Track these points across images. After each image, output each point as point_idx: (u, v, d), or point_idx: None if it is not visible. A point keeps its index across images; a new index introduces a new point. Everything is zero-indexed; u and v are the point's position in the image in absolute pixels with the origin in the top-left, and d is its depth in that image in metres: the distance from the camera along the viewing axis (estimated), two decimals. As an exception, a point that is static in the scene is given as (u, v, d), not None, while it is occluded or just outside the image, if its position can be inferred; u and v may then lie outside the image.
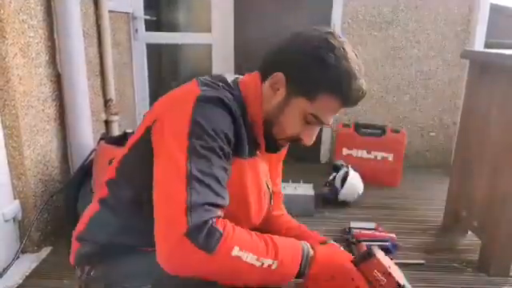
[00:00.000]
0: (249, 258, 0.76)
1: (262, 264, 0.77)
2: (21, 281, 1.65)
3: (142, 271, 0.87)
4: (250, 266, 0.76)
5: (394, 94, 3.13)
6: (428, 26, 2.99)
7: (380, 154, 2.79)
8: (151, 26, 3.10)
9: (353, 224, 2.10)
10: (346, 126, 2.89)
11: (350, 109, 3.16)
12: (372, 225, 2.10)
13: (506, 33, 3.63)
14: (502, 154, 1.71)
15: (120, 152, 0.97)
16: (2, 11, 1.55)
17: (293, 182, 2.38)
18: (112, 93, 2.45)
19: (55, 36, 1.92)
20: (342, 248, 0.98)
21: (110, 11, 2.45)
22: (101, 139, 1.89)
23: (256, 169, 0.96)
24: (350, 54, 0.86)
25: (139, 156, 0.89)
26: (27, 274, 1.70)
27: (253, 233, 0.82)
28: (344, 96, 0.87)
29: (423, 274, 1.76)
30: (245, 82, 0.95)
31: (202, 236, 0.73)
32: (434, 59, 3.05)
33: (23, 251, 1.81)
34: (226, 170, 0.83)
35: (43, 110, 1.86)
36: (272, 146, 0.97)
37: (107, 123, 2.47)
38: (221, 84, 0.92)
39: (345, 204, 2.45)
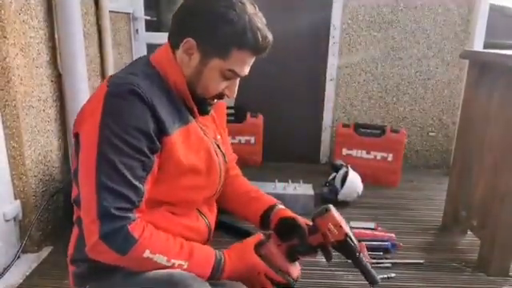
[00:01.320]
0: (159, 259, 0.86)
1: (173, 264, 0.87)
2: (21, 280, 1.66)
3: (141, 280, 0.89)
4: (159, 265, 0.86)
5: (394, 94, 3.13)
6: (427, 27, 2.99)
7: (379, 154, 2.80)
8: (152, 27, 3.10)
9: (352, 224, 2.11)
10: (345, 126, 2.90)
11: (349, 109, 3.17)
12: (372, 225, 2.10)
13: (505, 33, 3.64)
14: (501, 154, 1.72)
15: (73, 167, 0.99)
16: (2, 12, 1.55)
17: (293, 182, 2.39)
18: (112, 93, 2.45)
19: (56, 36, 1.93)
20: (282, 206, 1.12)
21: (111, 11, 2.46)
22: (101, 139, 1.89)
23: (197, 133, 0.98)
24: (250, 7, 0.91)
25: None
26: (28, 273, 1.71)
27: (170, 238, 0.91)
28: (252, 47, 0.92)
29: (422, 274, 1.76)
30: (156, 57, 0.98)
31: (116, 241, 0.82)
32: (433, 59, 3.05)
33: (24, 251, 1.81)
34: (142, 163, 0.86)
35: (44, 110, 1.87)
36: (204, 108, 1.01)
37: (107, 123, 2.47)
38: (131, 70, 0.93)
39: (344, 204, 2.45)
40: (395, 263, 1.82)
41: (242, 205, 1.19)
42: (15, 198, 1.77)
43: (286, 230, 1.04)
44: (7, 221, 1.72)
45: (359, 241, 2.03)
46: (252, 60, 0.96)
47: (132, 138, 0.84)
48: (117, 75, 0.92)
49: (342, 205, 2.44)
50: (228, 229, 1.47)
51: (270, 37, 0.92)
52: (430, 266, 1.83)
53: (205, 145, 0.99)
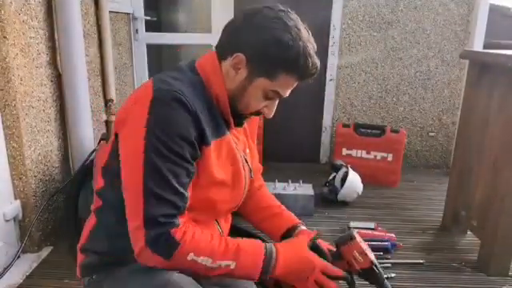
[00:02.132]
0: (204, 261, 0.87)
1: (220, 265, 0.87)
2: (21, 280, 1.66)
3: (141, 280, 0.90)
4: (206, 267, 0.87)
5: (394, 94, 3.13)
6: (427, 27, 2.99)
7: (379, 154, 2.80)
8: (151, 27, 3.10)
9: (352, 224, 2.11)
10: (345, 126, 2.90)
11: (349, 109, 3.17)
12: (371, 225, 2.10)
13: (504, 33, 3.64)
14: (501, 154, 1.72)
15: (102, 160, 1.00)
16: (2, 12, 1.56)
17: (293, 182, 2.39)
18: (112, 93, 2.45)
19: (56, 36, 1.93)
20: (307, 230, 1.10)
21: (111, 12, 2.46)
22: (101, 139, 1.89)
23: (230, 146, 0.99)
24: (304, 32, 0.91)
25: (116, 163, 0.91)
26: (28, 273, 1.71)
27: (214, 237, 0.91)
28: (301, 73, 0.93)
29: (422, 274, 1.76)
30: (202, 65, 0.97)
31: (161, 247, 0.84)
32: (433, 59, 3.05)
33: (24, 251, 1.81)
34: (186, 170, 0.87)
35: (44, 111, 1.87)
36: (239, 121, 1.02)
37: (107, 123, 2.47)
38: (177, 75, 0.93)
39: (344, 204, 2.45)
40: (395, 263, 1.82)
41: (263, 220, 1.20)
42: (15, 198, 1.77)
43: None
44: (7, 221, 1.72)
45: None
46: (296, 84, 0.96)
47: (177, 145, 0.85)
48: (162, 79, 0.91)
49: (341, 205, 2.44)
50: (241, 234, 1.49)
51: (319, 64, 0.93)
52: (430, 266, 1.83)
53: (235, 159, 1.00)
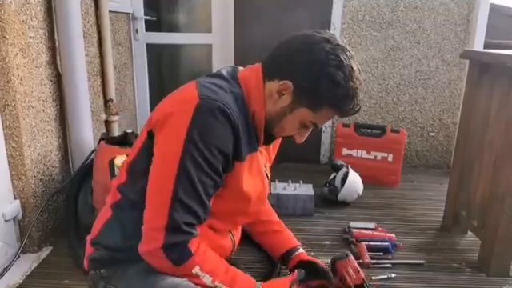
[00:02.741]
0: (205, 278, 0.90)
1: (216, 287, 0.92)
2: (21, 281, 1.66)
3: (151, 281, 0.91)
4: (205, 285, 0.91)
5: (394, 94, 3.13)
6: (428, 27, 2.99)
7: (380, 154, 2.79)
8: (151, 27, 3.10)
9: (352, 224, 2.11)
10: (345, 126, 2.90)
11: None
12: (372, 225, 2.10)
13: (504, 33, 3.63)
14: (501, 154, 1.71)
15: (128, 158, 1.00)
16: (2, 11, 1.55)
17: (293, 182, 2.39)
18: (112, 93, 2.45)
19: (55, 36, 1.93)
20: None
21: (111, 11, 2.45)
22: (101, 139, 1.89)
23: (258, 162, 1.01)
24: (356, 72, 0.91)
25: (145, 161, 0.92)
26: (27, 273, 1.70)
27: (218, 259, 0.95)
28: (344, 111, 0.95)
29: (423, 274, 1.76)
30: (245, 78, 0.97)
31: (175, 253, 0.86)
32: (433, 59, 3.05)
33: (23, 251, 1.81)
34: (215, 182, 0.89)
35: (44, 110, 1.87)
36: (269, 141, 1.04)
37: (107, 123, 2.47)
38: (221, 84, 0.92)
39: (344, 204, 2.45)
40: (395, 263, 1.81)
41: (263, 234, 1.28)
42: (15, 198, 1.77)
43: (305, 270, 1.12)
44: (7, 221, 1.72)
45: (359, 241, 2.05)
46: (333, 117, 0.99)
47: (213, 157, 0.85)
48: (208, 86, 0.90)
49: (341, 205, 2.44)
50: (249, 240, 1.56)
51: (360, 106, 0.95)
52: (430, 266, 1.82)
53: (261, 175, 1.03)
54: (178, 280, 0.89)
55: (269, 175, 1.12)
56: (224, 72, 0.99)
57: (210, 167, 0.85)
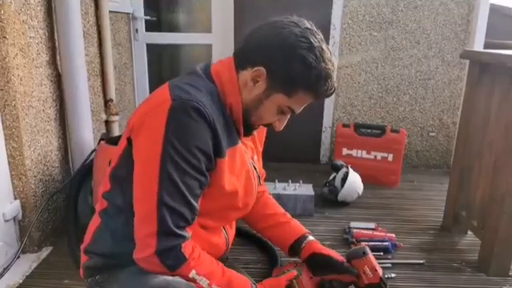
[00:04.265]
0: (202, 281, 0.90)
1: None
2: (21, 281, 1.66)
3: (142, 281, 0.91)
4: (200, 286, 0.90)
5: (394, 94, 3.13)
6: (427, 26, 2.99)
7: (380, 154, 2.79)
8: (151, 27, 3.10)
9: (353, 224, 2.11)
10: (345, 126, 2.90)
11: (349, 109, 3.16)
12: (372, 225, 2.10)
13: (504, 33, 3.63)
14: (501, 154, 1.71)
15: (111, 162, 1.00)
16: (2, 11, 1.55)
17: (293, 182, 2.39)
18: (112, 93, 2.45)
19: (55, 36, 1.93)
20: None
21: (111, 11, 2.45)
22: (101, 139, 1.89)
23: (241, 155, 1.00)
24: (327, 53, 0.91)
25: (127, 167, 0.91)
26: (27, 273, 1.70)
27: (213, 261, 0.95)
28: (319, 94, 0.94)
29: (423, 274, 1.76)
30: (218, 72, 0.97)
31: (170, 258, 0.86)
32: (433, 59, 3.05)
33: (23, 251, 1.81)
34: (199, 182, 0.88)
35: (44, 111, 1.87)
36: (250, 131, 1.03)
37: (107, 123, 2.47)
38: (193, 81, 0.92)
39: (345, 204, 2.45)
40: (395, 263, 1.81)
41: (270, 228, 1.24)
42: (15, 198, 1.77)
43: (319, 264, 1.09)
44: (7, 221, 1.72)
45: (359, 241, 2.04)
46: (309, 102, 0.97)
47: (194, 157, 0.85)
48: (180, 86, 0.90)
49: (341, 205, 2.44)
50: (244, 236, 1.54)
51: (335, 87, 0.95)
52: (430, 266, 1.82)
53: (246, 168, 1.02)
54: (169, 278, 0.89)
55: (257, 167, 1.10)
56: (197, 68, 1.00)
57: (192, 167, 0.85)
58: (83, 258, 1.02)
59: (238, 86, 0.94)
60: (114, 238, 0.96)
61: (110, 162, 0.99)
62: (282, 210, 1.28)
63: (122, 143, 0.94)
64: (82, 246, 1.02)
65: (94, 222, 1.01)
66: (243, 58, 0.95)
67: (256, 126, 1.01)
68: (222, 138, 0.90)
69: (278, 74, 0.91)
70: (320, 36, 0.92)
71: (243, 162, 1.00)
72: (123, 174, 0.93)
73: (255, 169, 1.08)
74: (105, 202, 0.98)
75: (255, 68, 0.91)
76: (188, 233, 0.89)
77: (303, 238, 1.18)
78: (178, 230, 0.86)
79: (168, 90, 0.89)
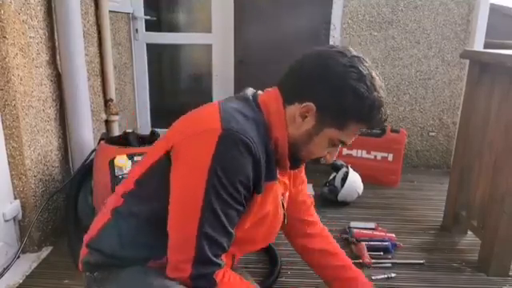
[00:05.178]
0: None
1: None
2: (21, 281, 1.66)
3: (139, 281, 0.92)
4: None
5: (394, 94, 3.13)
6: (428, 26, 2.99)
7: (380, 154, 2.79)
8: (151, 26, 3.10)
9: (353, 224, 2.10)
10: (345, 126, 2.89)
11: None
12: (372, 225, 2.10)
13: (504, 33, 3.64)
14: (501, 154, 1.71)
15: (137, 167, 0.98)
16: (2, 11, 1.55)
17: (293, 181, 2.38)
18: (112, 93, 2.45)
19: (55, 36, 1.93)
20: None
21: (111, 11, 2.46)
22: (101, 139, 1.89)
23: (275, 191, 0.98)
24: (377, 80, 0.88)
25: (158, 179, 0.90)
26: (27, 273, 1.70)
27: (243, 284, 0.95)
28: (372, 123, 0.91)
29: (423, 274, 1.76)
30: (265, 102, 0.94)
31: (202, 283, 0.86)
32: (433, 59, 3.05)
33: (23, 251, 1.81)
34: (238, 212, 0.88)
35: (43, 110, 1.86)
36: (296, 165, 1.01)
37: (107, 123, 2.47)
38: (244, 110, 0.90)
39: (345, 204, 2.45)
40: (395, 263, 1.81)
41: (335, 279, 1.23)
42: (15, 198, 1.77)
43: None
44: (7, 221, 1.72)
45: (359, 241, 2.04)
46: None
47: (236, 191, 0.84)
48: (231, 113, 0.87)
49: (342, 205, 2.44)
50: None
51: (387, 114, 0.91)
52: (430, 266, 1.82)
53: (275, 204, 1.00)
54: (169, 283, 0.88)
55: (285, 205, 1.07)
56: (248, 95, 0.96)
57: (234, 200, 0.85)
58: (84, 251, 1.00)
59: (284, 120, 0.92)
60: (121, 240, 0.94)
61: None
62: (348, 260, 1.25)
63: (158, 152, 0.91)
64: (85, 239, 1.00)
65: (103, 217, 0.98)
66: (289, 92, 0.92)
67: (305, 160, 0.99)
68: (262, 174, 0.89)
69: (328, 108, 0.87)
70: (368, 63, 0.88)
71: (275, 198, 0.98)
72: (150, 186, 0.92)
73: (283, 206, 1.06)
74: (121, 200, 0.96)
75: (304, 104, 0.88)
76: (223, 261, 0.89)
77: None
78: (214, 259, 0.86)
79: (219, 116, 0.86)
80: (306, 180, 1.23)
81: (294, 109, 0.90)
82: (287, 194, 1.09)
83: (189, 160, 0.85)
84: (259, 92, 0.99)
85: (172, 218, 0.87)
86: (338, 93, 0.86)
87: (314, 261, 1.26)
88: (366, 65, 0.88)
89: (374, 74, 0.88)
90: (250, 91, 0.98)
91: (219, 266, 0.87)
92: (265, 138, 0.89)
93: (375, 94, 0.86)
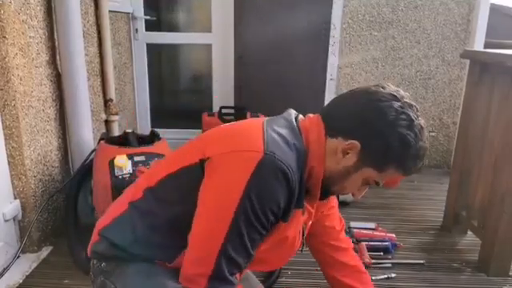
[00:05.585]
0: None
1: None
2: (21, 281, 1.66)
3: (145, 280, 0.91)
4: None
5: (394, 93, 3.12)
6: (428, 26, 2.99)
7: (380, 154, 2.79)
8: (151, 26, 3.10)
9: (353, 224, 2.10)
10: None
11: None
12: (372, 225, 2.10)
13: (504, 33, 3.63)
14: (501, 154, 1.71)
15: (164, 165, 0.97)
16: (2, 11, 1.55)
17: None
18: (112, 93, 2.45)
19: (55, 36, 1.92)
20: None
21: (110, 11, 2.45)
22: (101, 139, 1.89)
23: (299, 218, 0.97)
24: (424, 130, 0.90)
25: (186, 185, 0.90)
26: (27, 273, 1.70)
27: None
28: (410, 171, 0.92)
29: (423, 274, 1.76)
30: (306, 130, 0.93)
31: None
32: (433, 59, 3.05)
33: (23, 251, 1.81)
34: (262, 236, 0.87)
35: (43, 110, 1.86)
36: (325, 197, 1.00)
37: (107, 123, 2.47)
38: (287, 135, 0.89)
39: (345, 204, 2.44)
40: (395, 263, 1.81)
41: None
42: (15, 198, 1.77)
43: None
44: (7, 221, 1.72)
45: (359, 241, 2.04)
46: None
47: (265, 218, 0.84)
48: (276, 141, 0.86)
49: (342, 205, 2.43)
50: None
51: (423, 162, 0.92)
52: (430, 266, 1.82)
53: (296, 231, 0.99)
54: (175, 285, 0.88)
55: (305, 233, 1.07)
56: (292, 119, 0.95)
57: (262, 226, 0.85)
58: (95, 237, 0.99)
59: (324, 152, 0.90)
60: (134, 235, 0.93)
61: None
62: (364, 269, 1.26)
63: (192, 157, 0.89)
64: (98, 225, 0.99)
65: (119, 207, 0.97)
66: (334, 126, 0.91)
67: (335, 194, 1.00)
68: (293, 203, 0.88)
69: (372, 150, 0.87)
70: (417, 108, 0.89)
71: (297, 224, 0.98)
72: (176, 189, 0.91)
73: (303, 234, 1.05)
74: (141, 194, 0.95)
75: (349, 141, 0.87)
76: (237, 280, 0.89)
77: None
78: (230, 277, 0.86)
79: (262, 138, 0.85)
80: (336, 205, 1.22)
81: (337, 143, 0.89)
82: (310, 222, 1.08)
83: (224, 178, 0.84)
84: (300, 116, 0.98)
85: (196, 231, 0.86)
86: (387, 138, 0.85)
87: None
88: (417, 112, 0.88)
89: (422, 122, 0.89)
90: (292, 114, 0.98)
91: (233, 284, 0.87)
92: (301, 166, 0.88)
93: (420, 143, 0.88)
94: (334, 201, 1.19)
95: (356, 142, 0.87)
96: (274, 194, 0.83)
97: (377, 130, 0.86)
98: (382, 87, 0.89)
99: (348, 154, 0.88)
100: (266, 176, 0.82)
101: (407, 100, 0.88)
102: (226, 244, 0.83)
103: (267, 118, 0.95)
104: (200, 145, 0.92)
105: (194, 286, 0.85)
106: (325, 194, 0.97)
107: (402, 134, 0.85)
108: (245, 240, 0.84)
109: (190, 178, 0.88)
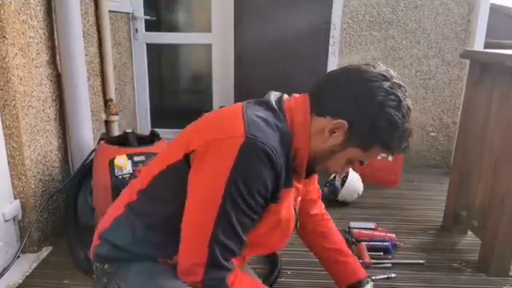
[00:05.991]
0: None
1: None
2: (21, 281, 1.66)
3: (149, 280, 0.92)
4: None
5: (394, 93, 3.13)
6: (428, 26, 2.99)
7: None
8: (151, 26, 3.10)
9: (353, 224, 2.10)
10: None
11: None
12: (372, 225, 2.10)
13: (504, 33, 3.63)
14: (501, 154, 1.71)
15: (154, 165, 0.97)
16: (2, 11, 1.55)
17: (293, 181, 2.38)
18: (112, 93, 2.45)
19: (55, 36, 1.92)
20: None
21: (110, 11, 2.45)
22: (101, 139, 1.89)
23: (290, 197, 0.98)
24: (411, 111, 0.89)
25: (175, 181, 0.90)
26: (27, 273, 1.70)
27: (254, 285, 0.97)
28: (395, 151, 0.93)
29: (423, 274, 1.76)
30: (291, 110, 0.92)
31: (213, 285, 0.87)
32: (433, 59, 3.05)
33: (23, 251, 1.81)
34: (253, 221, 0.88)
35: (43, 110, 1.86)
36: (309, 176, 1.02)
37: (107, 123, 2.47)
38: (268, 117, 0.89)
39: (344, 204, 2.45)
40: (395, 263, 1.81)
41: (328, 261, 1.29)
42: (15, 198, 1.77)
43: None
44: (7, 221, 1.72)
45: (359, 241, 2.04)
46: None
47: (254, 201, 0.85)
48: (257, 123, 0.85)
49: (342, 205, 2.44)
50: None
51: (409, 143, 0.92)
52: (430, 266, 1.82)
53: (289, 210, 1.00)
54: (177, 283, 0.89)
55: (297, 209, 1.08)
56: (272, 100, 0.94)
57: (251, 209, 0.85)
58: (95, 242, 1.00)
59: (309, 132, 0.90)
60: (133, 235, 0.94)
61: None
62: (344, 247, 1.30)
63: (177, 154, 0.90)
64: (98, 229, 1.00)
65: (116, 210, 0.98)
66: (322, 104, 0.90)
67: (319, 172, 1.01)
68: (281, 184, 0.88)
69: (360, 130, 0.87)
70: (405, 88, 0.89)
71: (288, 204, 0.98)
72: (166, 187, 0.92)
73: (295, 211, 1.06)
74: (135, 197, 0.96)
75: (336, 120, 0.87)
76: (233, 264, 0.89)
77: (360, 283, 1.24)
78: (225, 263, 0.87)
79: (242, 123, 0.85)
80: (316, 179, 1.25)
81: (325, 122, 0.89)
82: (299, 198, 1.09)
83: (209, 166, 0.84)
84: (285, 96, 0.97)
85: (186, 221, 0.87)
86: (375, 118, 0.86)
87: (310, 241, 1.31)
88: (406, 93, 0.88)
89: (410, 103, 0.88)
90: (274, 95, 0.97)
91: (229, 270, 0.88)
92: (286, 146, 0.88)
93: (407, 124, 0.87)
94: (314, 176, 1.22)
95: (344, 122, 0.87)
96: (260, 176, 0.83)
97: (366, 111, 0.86)
98: (373, 66, 0.89)
99: (335, 132, 0.89)
100: (250, 159, 0.82)
101: (396, 80, 0.88)
102: (217, 230, 0.83)
103: (246, 102, 0.95)
104: (184, 139, 0.92)
105: (191, 277, 0.86)
106: (309, 172, 0.98)
107: (390, 114, 0.85)
108: (234, 225, 0.84)
109: (178, 174, 0.89)
